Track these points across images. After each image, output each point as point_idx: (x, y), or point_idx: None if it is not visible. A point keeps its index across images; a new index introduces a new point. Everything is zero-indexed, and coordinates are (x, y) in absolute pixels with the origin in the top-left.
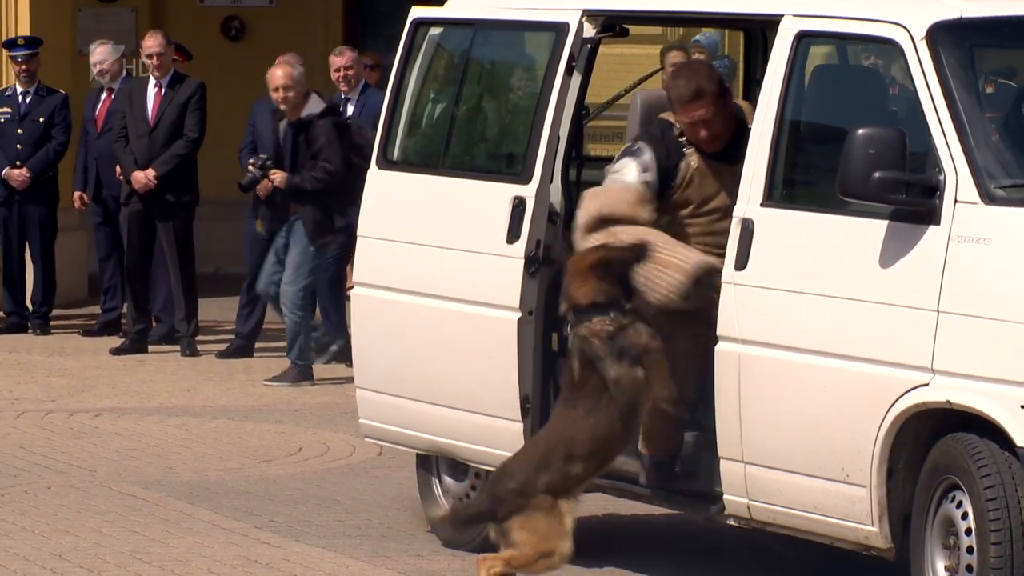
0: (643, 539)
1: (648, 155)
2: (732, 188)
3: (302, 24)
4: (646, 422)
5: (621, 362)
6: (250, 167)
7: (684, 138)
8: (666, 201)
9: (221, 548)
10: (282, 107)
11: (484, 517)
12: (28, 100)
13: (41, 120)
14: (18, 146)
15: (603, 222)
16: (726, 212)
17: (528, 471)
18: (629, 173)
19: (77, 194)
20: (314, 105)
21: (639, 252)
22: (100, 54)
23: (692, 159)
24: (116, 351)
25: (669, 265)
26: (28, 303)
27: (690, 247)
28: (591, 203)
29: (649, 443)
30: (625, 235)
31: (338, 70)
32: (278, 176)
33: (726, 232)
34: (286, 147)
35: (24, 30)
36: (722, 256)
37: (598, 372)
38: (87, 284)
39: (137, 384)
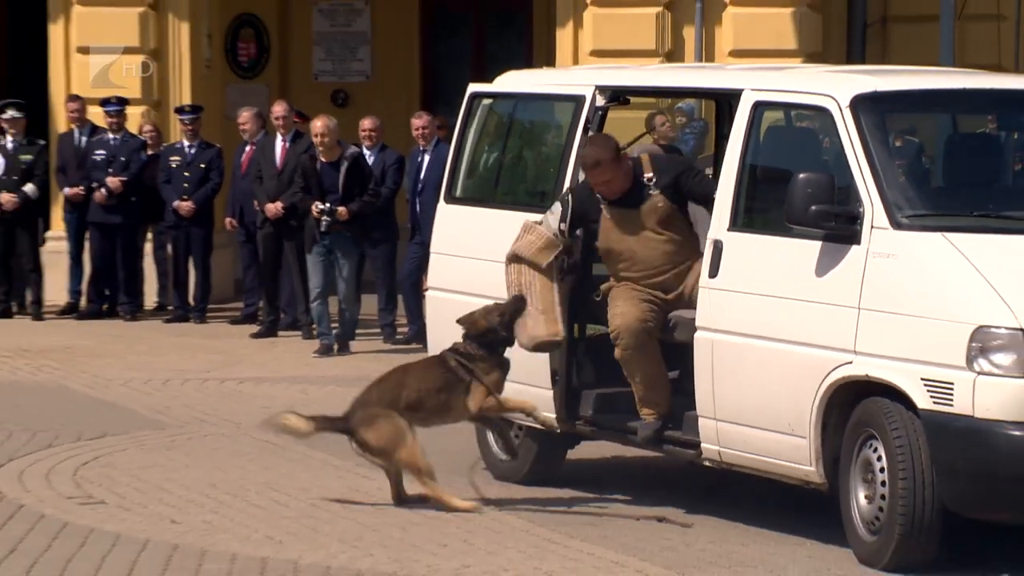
0: (641, 474)
1: (569, 207)
2: (639, 231)
3: (391, 94)
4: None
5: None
6: (321, 217)
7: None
8: (593, 252)
9: (331, 480)
10: (320, 149)
11: (337, 427)
12: (192, 151)
13: (202, 166)
14: (185, 185)
15: (518, 258)
16: (656, 270)
17: (368, 393)
18: (552, 219)
19: (228, 220)
20: (346, 148)
21: (518, 305)
22: (244, 118)
23: (606, 211)
24: (254, 335)
25: (524, 328)
26: (190, 300)
27: (547, 315)
28: (518, 240)
29: (646, 408)
30: (523, 283)
31: (417, 129)
32: (343, 211)
33: (660, 286)
34: (326, 181)
35: (188, 100)
36: (659, 304)
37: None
38: (233, 286)
39: (270, 360)
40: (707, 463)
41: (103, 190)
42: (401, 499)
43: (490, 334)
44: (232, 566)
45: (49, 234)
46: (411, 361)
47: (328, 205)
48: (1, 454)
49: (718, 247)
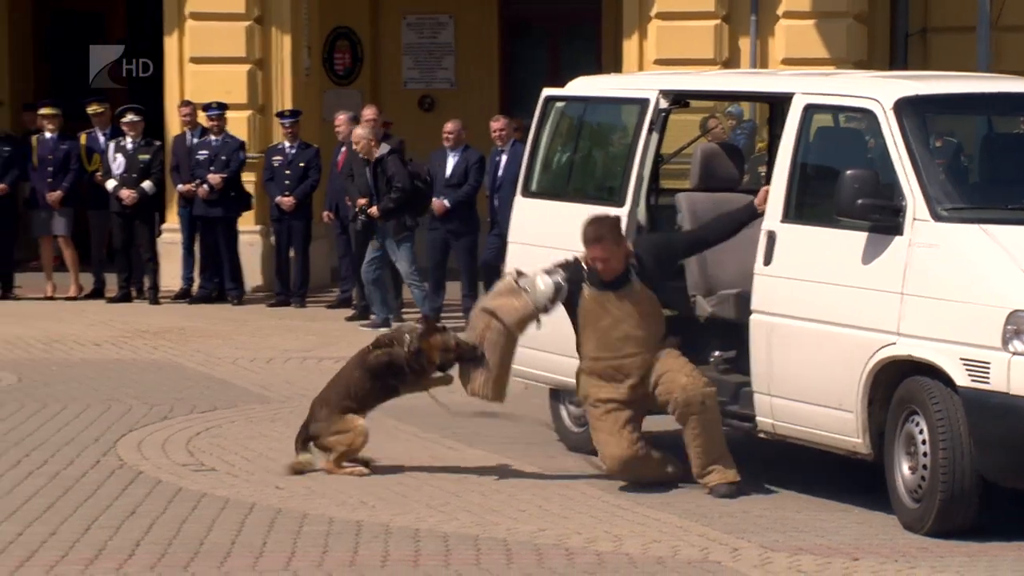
0: None
1: (563, 288)
2: (614, 315)
3: (473, 99)
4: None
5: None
6: (360, 216)
7: (588, 271)
8: (575, 328)
9: (418, 450)
10: (357, 148)
11: (306, 436)
12: (293, 152)
13: (301, 165)
14: (286, 182)
15: (495, 315)
16: (622, 354)
17: (326, 395)
18: (541, 290)
19: (326, 213)
20: (383, 148)
21: (473, 355)
22: (339, 121)
23: (586, 291)
24: (349, 319)
25: (472, 380)
26: (291, 286)
27: (492, 382)
28: (499, 298)
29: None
30: (488, 339)
31: (495, 131)
32: (374, 210)
33: (622, 369)
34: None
35: (289, 105)
36: (623, 385)
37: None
38: (330, 274)
39: (362, 340)
40: (762, 435)
41: (205, 186)
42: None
43: (421, 356)
44: (330, 528)
45: (164, 226)
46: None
47: (363, 206)
48: (121, 425)
49: (771, 237)
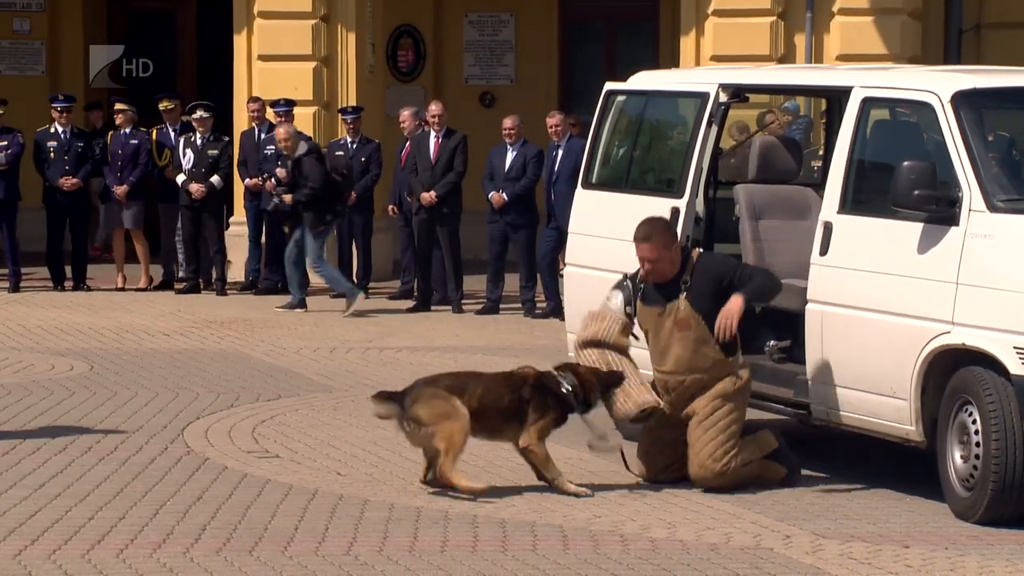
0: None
1: (629, 291)
2: (661, 329)
3: (532, 95)
4: None
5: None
6: (275, 199)
7: (635, 287)
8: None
9: (474, 441)
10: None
11: (397, 400)
12: (354, 146)
13: (363, 159)
14: None
15: (597, 343)
16: (677, 371)
17: (439, 379)
18: (615, 303)
19: (390, 207)
20: (301, 147)
21: (616, 378)
22: (403, 117)
23: (639, 305)
24: (410, 310)
25: (629, 396)
26: (354, 278)
27: (645, 387)
28: (590, 326)
29: None
30: (613, 362)
31: (551, 127)
32: (288, 198)
33: (685, 389)
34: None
35: (353, 101)
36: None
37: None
38: (391, 266)
39: (423, 331)
40: (816, 423)
41: (272, 180)
42: (427, 481)
43: (577, 391)
44: (390, 514)
45: (232, 219)
46: (487, 372)
47: (279, 189)
48: (189, 413)
49: (828, 228)
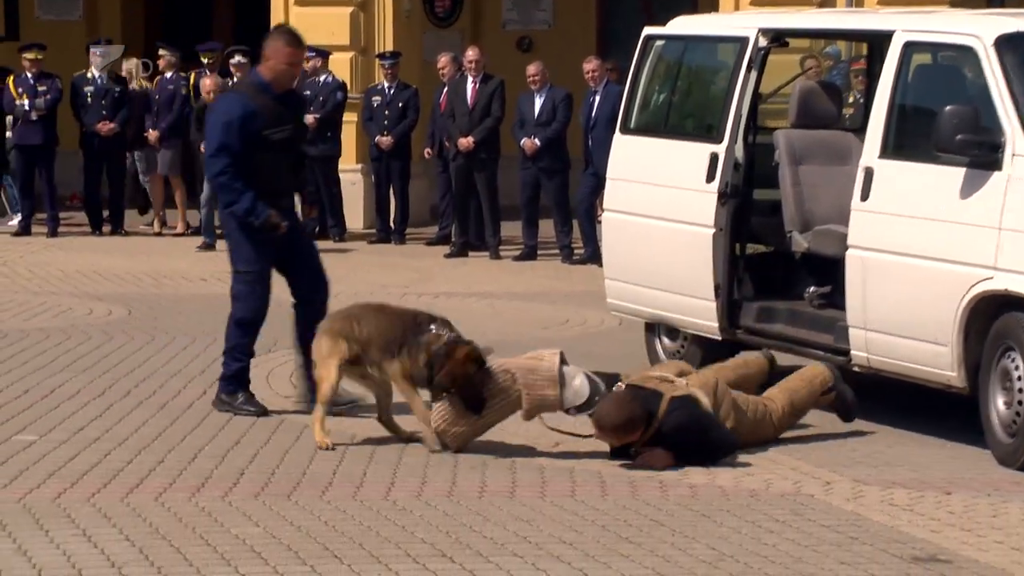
0: None
1: (597, 384)
2: None
3: (570, 40)
4: None
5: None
6: None
7: None
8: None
9: None
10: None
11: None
12: (392, 92)
13: (400, 105)
14: (385, 122)
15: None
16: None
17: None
18: (570, 386)
19: (427, 150)
20: None
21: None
22: (443, 62)
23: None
24: (448, 255)
25: (450, 419)
26: (391, 224)
27: (470, 432)
28: (536, 381)
29: None
30: (501, 404)
31: (588, 72)
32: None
33: None
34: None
35: (390, 46)
36: None
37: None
38: (429, 211)
39: (461, 277)
40: (856, 369)
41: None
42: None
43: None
44: (428, 459)
45: None
46: (387, 304)
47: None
48: None
49: (869, 173)
